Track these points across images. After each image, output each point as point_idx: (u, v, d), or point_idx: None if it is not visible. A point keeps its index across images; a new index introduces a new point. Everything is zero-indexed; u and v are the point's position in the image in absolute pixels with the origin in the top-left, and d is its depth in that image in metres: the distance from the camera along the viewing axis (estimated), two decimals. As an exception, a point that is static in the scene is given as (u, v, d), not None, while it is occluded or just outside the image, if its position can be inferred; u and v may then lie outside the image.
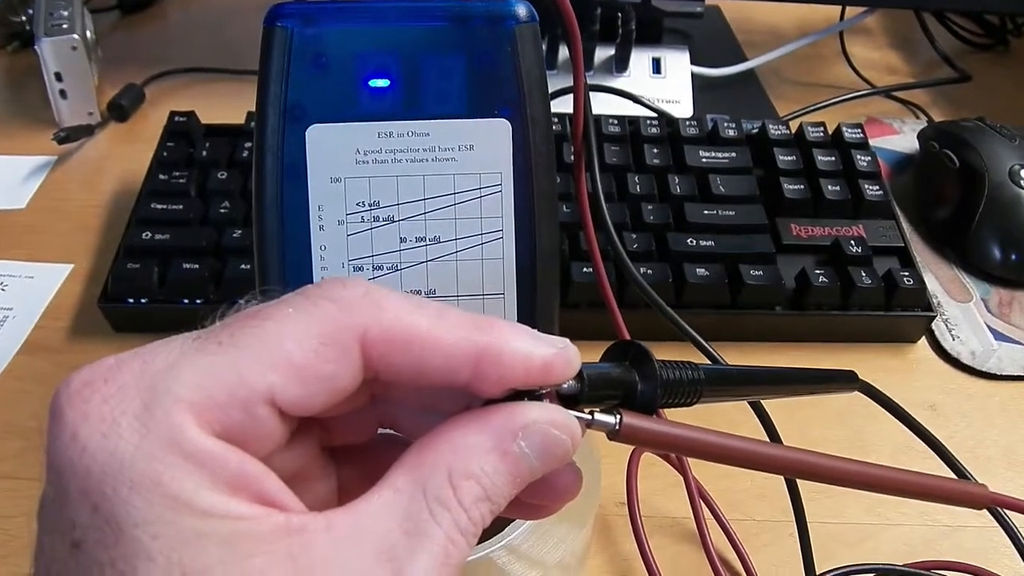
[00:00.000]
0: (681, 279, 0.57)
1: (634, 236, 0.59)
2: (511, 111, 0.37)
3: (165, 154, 0.65)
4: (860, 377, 0.38)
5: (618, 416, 0.27)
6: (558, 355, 0.25)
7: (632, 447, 0.46)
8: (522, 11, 0.37)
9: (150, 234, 0.59)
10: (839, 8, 0.87)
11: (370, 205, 0.37)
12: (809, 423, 0.54)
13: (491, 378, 0.25)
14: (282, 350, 0.23)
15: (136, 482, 0.21)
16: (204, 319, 0.25)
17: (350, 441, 0.29)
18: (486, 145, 0.37)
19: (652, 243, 0.59)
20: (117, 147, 0.75)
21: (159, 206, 0.61)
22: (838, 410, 0.55)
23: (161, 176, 0.63)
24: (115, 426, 0.21)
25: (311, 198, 0.37)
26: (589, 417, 0.26)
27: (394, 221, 0.37)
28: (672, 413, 0.30)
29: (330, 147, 0.37)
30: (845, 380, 0.37)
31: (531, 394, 0.26)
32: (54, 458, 0.22)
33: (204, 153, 0.65)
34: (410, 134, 0.37)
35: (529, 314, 0.39)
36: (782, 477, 0.46)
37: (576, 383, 0.26)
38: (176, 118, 0.68)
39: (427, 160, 0.37)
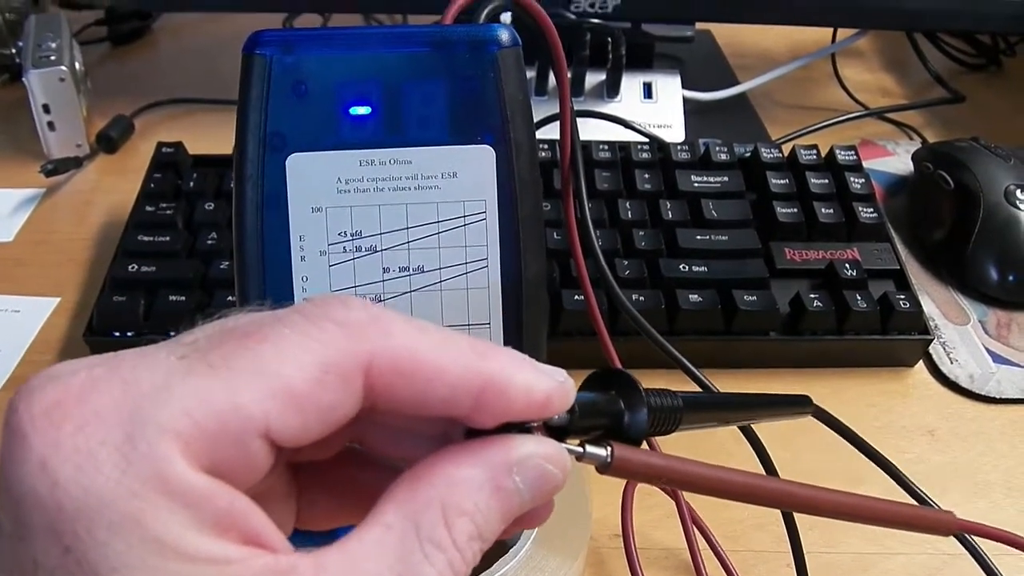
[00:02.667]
0: (674, 306, 0.56)
1: (626, 263, 0.58)
2: (494, 137, 0.37)
3: (152, 185, 0.65)
4: (815, 402, 0.38)
5: (609, 448, 0.26)
6: (558, 388, 0.25)
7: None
8: (504, 36, 0.37)
9: (136, 266, 0.58)
10: (831, 30, 0.87)
11: (352, 235, 0.37)
12: (801, 453, 0.53)
13: (492, 411, 0.24)
14: (281, 377, 0.21)
15: (116, 523, 0.19)
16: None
17: (316, 458, 0.27)
18: (469, 172, 0.37)
19: (644, 269, 0.58)
20: (106, 179, 0.75)
21: (145, 238, 0.60)
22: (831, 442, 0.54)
23: (148, 208, 0.63)
24: (92, 458, 0.19)
25: (292, 228, 0.37)
26: (580, 450, 0.26)
27: (377, 251, 0.37)
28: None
29: (311, 176, 0.36)
30: (800, 404, 0.37)
31: (520, 425, 0.25)
32: (15, 487, 0.20)
33: (191, 184, 0.64)
34: (392, 162, 0.36)
35: (516, 343, 0.38)
36: (778, 506, 0.45)
37: (566, 414, 0.26)
38: (163, 149, 0.67)
39: (410, 188, 0.37)
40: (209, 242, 0.60)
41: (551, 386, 0.24)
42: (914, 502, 0.44)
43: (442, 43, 0.36)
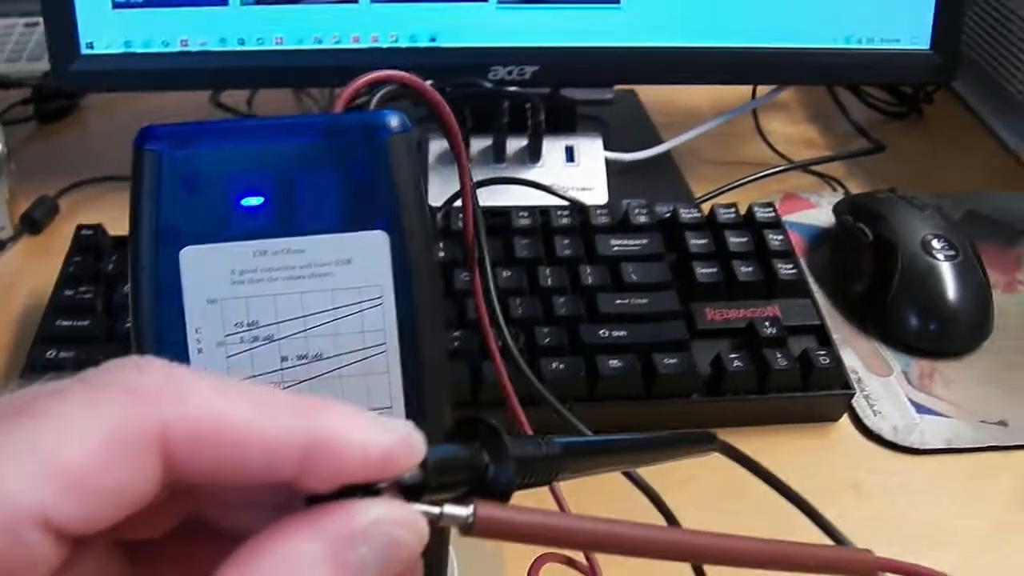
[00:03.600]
0: (594, 372, 0.56)
1: (545, 330, 0.58)
2: (387, 223, 0.37)
3: (72, 269, 0.64)
4: (719, 439, 0.37)
5: (471, 507, 0.23)
6: (400, 443, 0.22)
7: (537, 551, 0.44)
8: (394, 122, 0.37)
9: (55, 352, 0.58)
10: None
11: (249, 325, 0.36)
12: (727, 517, 0.53)
13: (323, 473, 0.21)
14: (58, 457, 0.19)
15: None
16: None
17: (145, 536, 0.24)
18: (364, 259, 0.37)
19: (564, 337, 0.58)
20: (29, 261, 0.74)
21: (64, 323, 0.60)
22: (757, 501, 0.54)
23: (67, 292, 0.62)
24: None
25: (188, 321, 0.36)
26: (438, 511, 0.23)
27: (274, 340, 0.37)
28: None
29: (205, 268, 0.36)
30: (703, 442, 0.36)
31: (367, 487, 0.22)
32: None
33: (111, 267, 0.64)
34: (286, 251, 0.36)
35: (419, 425, 0.38)
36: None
37: (419, 471, 0.23)
38: (83, 231, 0.67)
39: (305, 276, 0.37)
40: (128, 325, 0.59)
41: (390, 441, 0.22)
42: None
43: (332, 132, 0.37)
